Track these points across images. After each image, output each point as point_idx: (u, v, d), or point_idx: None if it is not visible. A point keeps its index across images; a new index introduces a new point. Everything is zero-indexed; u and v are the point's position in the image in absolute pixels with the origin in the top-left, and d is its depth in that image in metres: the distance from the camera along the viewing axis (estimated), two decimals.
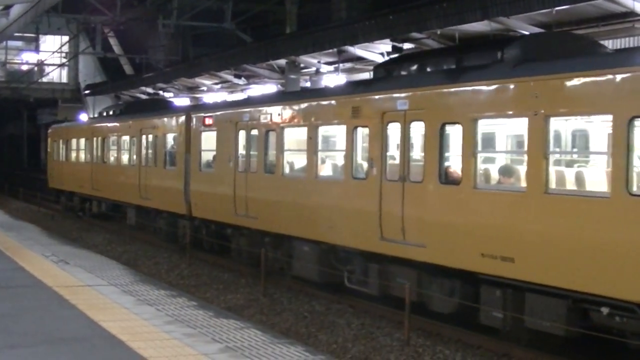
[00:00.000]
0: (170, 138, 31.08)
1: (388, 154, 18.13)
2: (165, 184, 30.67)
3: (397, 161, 17.90)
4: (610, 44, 23.62)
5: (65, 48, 62.45)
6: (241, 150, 24.82)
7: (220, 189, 25.81)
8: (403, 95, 17.68)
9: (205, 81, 41.96)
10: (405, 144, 17.60)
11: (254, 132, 23.99)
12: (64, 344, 13.11)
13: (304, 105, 21.80)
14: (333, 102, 20.66)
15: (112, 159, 38.02)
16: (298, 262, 21.79)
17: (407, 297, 16.59)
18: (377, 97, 18.63)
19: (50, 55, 62.14)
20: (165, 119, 31.47)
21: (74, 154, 44.73)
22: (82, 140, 42.92)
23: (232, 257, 26.35)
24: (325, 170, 21.17)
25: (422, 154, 17.19)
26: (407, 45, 25.38)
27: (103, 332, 13.88)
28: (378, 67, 20.79)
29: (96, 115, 50.65)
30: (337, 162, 20.95)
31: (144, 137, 33.26)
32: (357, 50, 27.71)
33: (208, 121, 27.00)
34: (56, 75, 68.88)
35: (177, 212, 29.50)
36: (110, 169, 38.04)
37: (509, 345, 16.07)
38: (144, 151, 33.26)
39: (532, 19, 22.27)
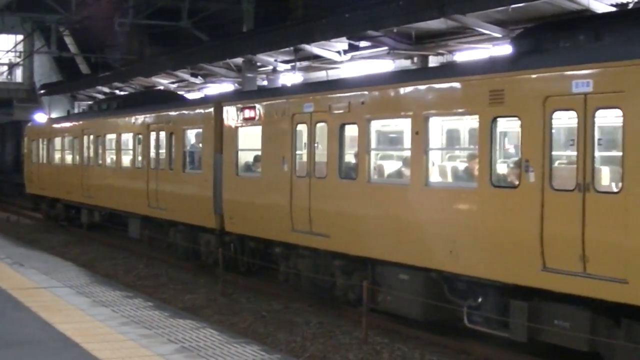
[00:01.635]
0: (191, 135, 25.95)
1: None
2: (184, 190, 25.46)
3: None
4: None
5: (20, 47, 61.85)
6: (300, 149, 19.92)
7: (269, 198, 20.82)
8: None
9: (162, 80, 41.70)
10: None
11: (322, 125, 19.16)
12: (18, 346, 12.96)
13: (407, 90, 16.89)
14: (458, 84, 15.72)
15: (109, 160, 32.65)
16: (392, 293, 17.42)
17: (365, 296, 16.57)
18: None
19: (4, 55, 61.48)
20: (185, 112, 26.16)
21: (58, 155, 39.03)
22: (69, 139, 37.33)
23: (280, 280, 21.54)
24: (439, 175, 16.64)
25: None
26: (363, 44, 25.36)
27: (58, 334, 13.74)
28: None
29: (82, 110, 47.41)
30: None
31: (153, 134, 27.85)
32: (314, 49, 27.65)
33: (249, 113, 22.02)
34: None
35: (202, 225, 24.47)
36: (107, 173, 32.51)
37: (467, 343, 16.12)
38: (154, 151, 27.85)
39: (489, 17, 22.32)
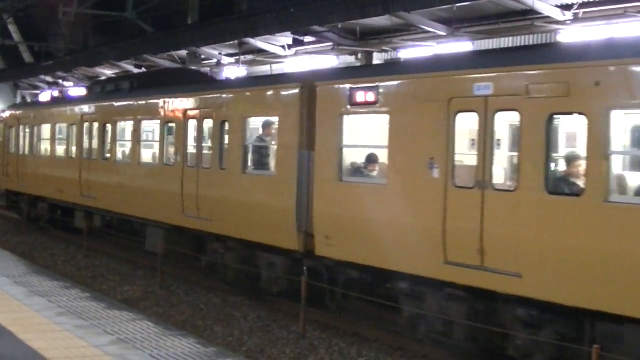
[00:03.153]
0: (255, 125, 20.18)
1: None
2: (244, 197, 19.43)
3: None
4: (510, 41, 24.00)
5: None
6: (461, 149, 14.47)
7: (401, 215, 15.11)
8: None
9: (106, 71, 41.45)
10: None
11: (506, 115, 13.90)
12: None
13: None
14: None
15: (120, 154, 26.35)
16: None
17: (303, 290, 16.57)
18: None
19: None
20: (248, 95, 20.16)
21: (45, 146, 32.19)
22: (64, 127, 30.36)
23: (401, 326, 16.09)
24: None
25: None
26: (308, 39, 25.40)
27: None
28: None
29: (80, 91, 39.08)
30: None
31: (193, 123, 21.90)
32: (259, 43, 27.64)
33: (365, 96, 16.05)
34: None
35: (272, 244, 18.49)
36: (118, 169, 25.95)
37: (404, 339, 16.19)
38: (193, 145, 21.91)
39: (434, 15, 22.50)
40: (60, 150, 30.71)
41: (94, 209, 27.47)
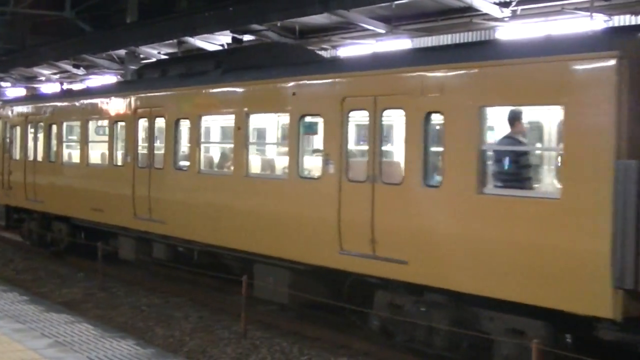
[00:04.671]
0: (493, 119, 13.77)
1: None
2: (491, 233, 12.55)
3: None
4: (449, 38, 24.13)
5: None
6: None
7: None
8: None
9: (44, 71, 41.02)
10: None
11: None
12: None
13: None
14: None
15: (216, 163, 20.25)
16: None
17: (244, 289, 16.54)
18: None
19: None
20: (494, 70, 12.68)
21: (74, 150, 25.50)
22: (103, 125, 23.78)
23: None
24: None
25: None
26: (247, 37, 25.34)
27: None
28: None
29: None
30: None
31: (354, 115, 15.27)
32: (197, 41, 27.52)
33: None
34: None
35: (554, 306, 11.73)
36: (210, 184, 19.00)
37: (347, 337, 16.23)
38: (377, 150, 14.42)
39: (373, 13, 22.55)
40: (99, 155, 24.24)
41: (155, 236, 20.79)
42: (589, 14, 20.07)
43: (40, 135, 26.90)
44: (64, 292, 21.20)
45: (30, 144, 27.61)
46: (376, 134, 14.40)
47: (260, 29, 24.59)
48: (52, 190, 25.90)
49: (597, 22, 20.26)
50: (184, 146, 20.30)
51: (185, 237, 19.57)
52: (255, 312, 17.38)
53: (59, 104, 26.55)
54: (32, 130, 27.63)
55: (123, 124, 22.12)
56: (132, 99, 21.79)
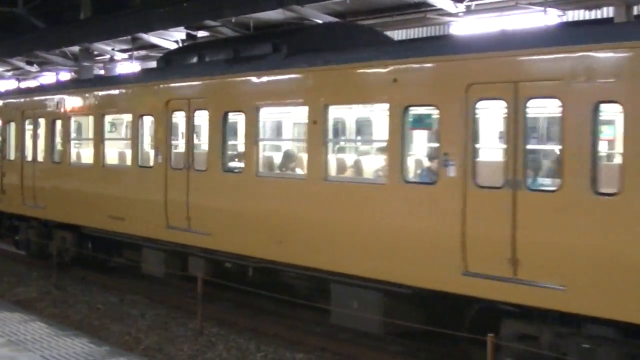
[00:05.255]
0: None
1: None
2: None
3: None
4: (404, 34, 24.20)
5: None
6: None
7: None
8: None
9: None
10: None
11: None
12: None
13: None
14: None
15: (292, 163, 16.91)
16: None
17: (200, 287, 16.50)
18: None
19: None
20: None
21: (87, 149, 22.24)
22: (111, 121, 21.83)
23: None
24: None
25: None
26: (201, 33, 25.28)
27: None
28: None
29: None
30: None
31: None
32: (152, 38, 27.40)
33: None
34: None
35: None
36: (275, 189, 16.07)
37: (303, 334, 16.24)
38: (519, 149, 12.03)
39: (327, 8, 22.54)
40: (118, 155, 21.71)
41: (194, 249, 17.98)
42: (542, 9, 20.20)
43: (41, 133, 23.80)
44: (19, 290, 21.01)
45: (29, 142, 24.60)
46: (518, 128, 11.80)
47: (215, 24, 24.53)
48: (57, 195, 22.79)
49: (551, 17, 20.40)
50: (236, 144, 17.98)
51: (237, 251, 16.64)
52: (211, 309, 17.33)
53: (65, 96, 22.96)
54: (31, 126, 24.49)
55: (151, 118, 19.26)
56: (163, 88, 18.95)
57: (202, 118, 18.11)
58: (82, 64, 31.47)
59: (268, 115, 17.57)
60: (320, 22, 22.69)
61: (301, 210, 15.17)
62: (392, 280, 13.45)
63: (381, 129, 14.79)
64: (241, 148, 17.29)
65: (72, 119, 22.60)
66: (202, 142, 18.38)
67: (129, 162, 20.22)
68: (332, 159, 15.51)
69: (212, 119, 17.29)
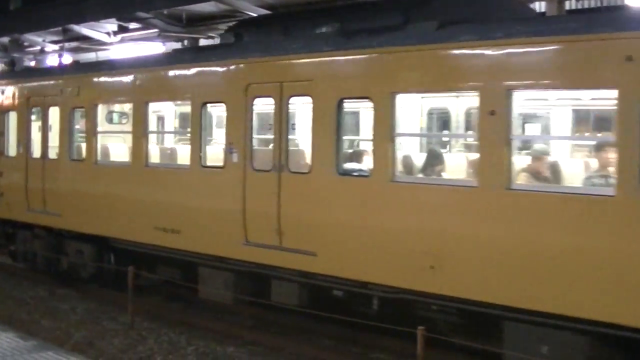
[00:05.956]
0: None
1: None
2: None
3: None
4: None
5: None
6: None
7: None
8: None
9: None
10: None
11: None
12: None
13: None
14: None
15: (439, 165, 13.95)
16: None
17: (130, 281, 16.41)
18: None
19: None
20: None
21: (107, 145, 19.62)
22: (158, 109, 19.78)
23: None
24: None
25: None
26: (133, 25, 25.05)
27: None
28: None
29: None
30: None
31: None
32: (83, 29, 27.08)
33: None
34: None
35: None
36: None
37: (235, 327, 16.26)
38: None
39: (260, 1, 22.44)
40: (169, 152, 18.82)
41: (285, 271, 14.69)
42: None
43: (54, 124, 20.24)
44: None
45: (36, 135, 20.99)
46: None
47: (147, 16, 24.29)
48: (78, 200, 19.23)
49: None
50: (355, 140, 15.83)
51: (356, 277, 13.43)
52: (142, 303, 17.25)
53: (92, 79, 19.46)
54: (39, 116, 20.94)
55: (222, 106, 16.16)
56: (240, 70, 15.58)
57: (301, 106, 15.28)
58: (12, 55, 31.03)
59: (409, 103, 14.33)
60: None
61: (467, 226, 11.96)
62: (597, 318, 10.57)
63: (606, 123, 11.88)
64: (364, 145, 14.73)
65: (101, 108, 19.28)
66: (301, 136, 15.50)
67: (186, 161, 16.74)
68: (517, 161, 12.12)
69: (320, 107, 13.89)
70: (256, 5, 22.47)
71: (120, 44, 27.37)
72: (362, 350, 14.58)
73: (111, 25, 26.19)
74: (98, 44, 28.34)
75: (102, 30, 27.10)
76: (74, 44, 29.56)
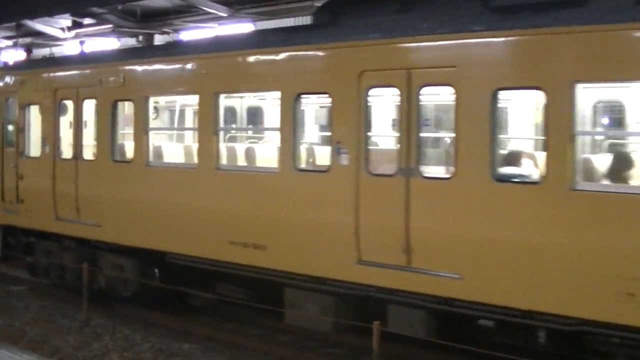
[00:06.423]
0: None
1: None
2: None
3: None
4: (292, 21, 24.22)
5: None
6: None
7: None
8: None
9: None
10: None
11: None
12: None
13: None
14: None
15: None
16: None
17: (85, 277, 16.35)
18: None
19: None
20: None
21: (160, 144, 17.07)
22: (231, 103, 17.78)
23: None
24: None
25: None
26: (87, 20, 24.98)
27: None
28: None
29: None
30: None
31: None
32: (37, 25, 26.94)
33: None
34: None
35: None
36: None
37: (191, 324, 16.23)
38: None
39: None
40: (245, 152, 16.05)
41: (415, 296, 12.20)
42: None
43: (90, 119, 17.82)
44: None
45: (66, 133, 18.38)
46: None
47: (101, 12, 24.22)
48: (124, 208, 16.66)
49: None
50: (513, 139, 13.54)
51: (518, 305, 11.05)
52: (98, 301, 17.19)
53: (142, 67, 16.69)
54: (69, 110, 18.30)
55: (324, 99, 14.11)
56: (350, 53, 12.88)
57: (435, 97, 13.13)
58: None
59: (594, 95, 12.20)
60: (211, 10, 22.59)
61: None
62: None
63: None
64: (525, 145, 12.78)
65: (153, 100, 16.83)
66: (436, 134, 13.83)
67: (272, 163, 14.33)
68: None
69: (466, 100, 11.51)
70: (211, 0, 22.50)
71: (74, 39, 27.30)
72: None
73: (65, 20, 26.09)
74: (52, 39, 28.25)
75: (56, 25, 27.00)
76: (27, 40, 29.45)
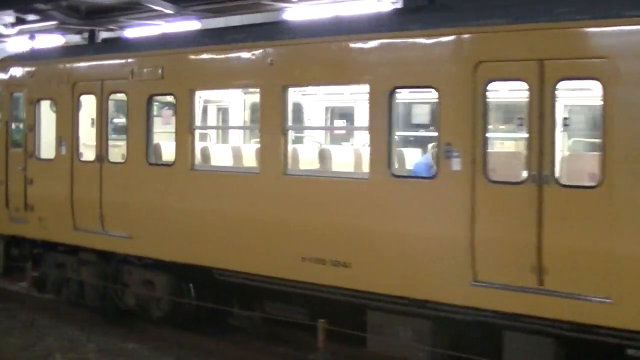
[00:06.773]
0: None
1: None
2: None
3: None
4: (237, 19, 24.09)
5: None
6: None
7: None
8: None
9: None
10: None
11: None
12: None
13: None
14: None
15: None
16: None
17: (28, 276, 16.20)
18: None
19: None
20: None
21: (206, 146, 15.76)
22: (305, 99, 16.93)
23: None
24: None
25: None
26: (31, 17, 24.66)
27: None
28: None
29: None
30: None
31: None
32: None
33: None
34: None
35: None
36: None
37: (139, 323, 16.25)
38: None
39: None
40: (318, 155, 14.37)
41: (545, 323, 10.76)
42: None
43: (117, 116, 16.64)
44: None
45: (86, 132, 16.73)
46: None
47: (45, 8, 23.89)
48: (161, 217, 14.96)
49: (385, 4, 20.54)
50: None
51: None
52: (42, 301, 17.04)
53: (186, 56, 14.83)
54: (90, 106, 16.52)
55: (430, 94, 12.33)
56: (463, 41, 11.36)
57: (568, 93, 12.08)
58: None
59: None
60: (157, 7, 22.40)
61: None
62: None
63: None
64: None
65: (198, 95, 14.92)
66: (575, 135, 12.47)
67: (357, 167, 13.49)
68: None
69: (618, 96, 10.07)
70: None
71: (18, 36, 26.95)
72: None
73: (8, 16, 25.74)
74: None
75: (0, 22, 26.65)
76: None
